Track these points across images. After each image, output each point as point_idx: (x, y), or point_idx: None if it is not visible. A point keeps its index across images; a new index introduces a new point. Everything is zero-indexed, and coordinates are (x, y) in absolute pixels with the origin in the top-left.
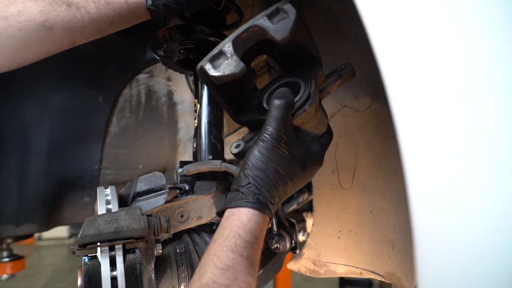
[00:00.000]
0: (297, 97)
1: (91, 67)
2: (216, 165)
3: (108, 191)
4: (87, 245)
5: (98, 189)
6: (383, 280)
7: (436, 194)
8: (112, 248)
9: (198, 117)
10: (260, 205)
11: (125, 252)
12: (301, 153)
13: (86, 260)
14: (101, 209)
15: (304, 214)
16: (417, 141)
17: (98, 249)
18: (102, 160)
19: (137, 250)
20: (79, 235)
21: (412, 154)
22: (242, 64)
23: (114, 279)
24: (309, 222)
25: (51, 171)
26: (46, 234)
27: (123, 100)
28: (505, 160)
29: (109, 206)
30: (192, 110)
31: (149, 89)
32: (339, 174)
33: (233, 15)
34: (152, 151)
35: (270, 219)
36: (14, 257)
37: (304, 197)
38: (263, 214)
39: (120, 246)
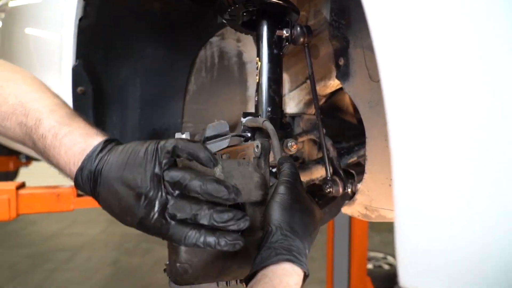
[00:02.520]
0: None
1: (172, 33)
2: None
3: (183, 136)
4: None
5: (176, 134)
6: None
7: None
8: None
9: (259, 73)
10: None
11: None
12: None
13: None
14: None
15: None
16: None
17: None
18: (183, 115)
19: None
20: None
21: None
22: None
23: None
24: None
25: (143, 124)
26: None
27: (199, 61)
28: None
29: None
30: None
31: (221, 51)
32: None
33: None
34: (225, 106)
35: (305, 273)
36: None
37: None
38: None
39: None
